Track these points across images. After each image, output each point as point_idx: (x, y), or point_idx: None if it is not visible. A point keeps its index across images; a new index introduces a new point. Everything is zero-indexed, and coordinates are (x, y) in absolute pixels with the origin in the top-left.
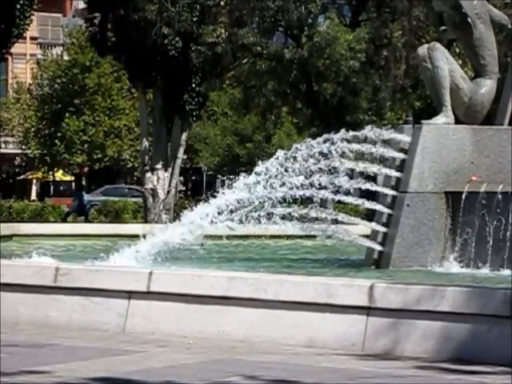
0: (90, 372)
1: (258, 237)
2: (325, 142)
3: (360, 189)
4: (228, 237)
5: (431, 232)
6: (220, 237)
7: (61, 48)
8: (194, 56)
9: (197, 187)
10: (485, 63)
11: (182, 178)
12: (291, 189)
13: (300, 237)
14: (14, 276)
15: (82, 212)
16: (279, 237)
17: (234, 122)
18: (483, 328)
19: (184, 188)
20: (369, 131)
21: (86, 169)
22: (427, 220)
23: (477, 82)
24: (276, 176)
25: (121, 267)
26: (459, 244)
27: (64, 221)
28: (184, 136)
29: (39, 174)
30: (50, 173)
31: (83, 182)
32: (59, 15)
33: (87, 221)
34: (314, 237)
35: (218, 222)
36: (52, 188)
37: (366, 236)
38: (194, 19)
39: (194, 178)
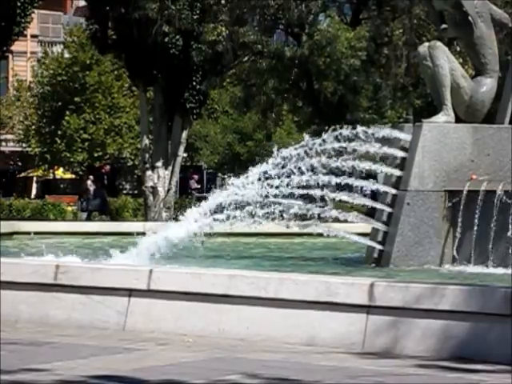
0: (90, 370)
1: (257, 235)
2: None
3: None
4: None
5: (431, 230)
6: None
7: (61, 46)
8: (194, 54)
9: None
10: (485, 62)
11: (196, 176)
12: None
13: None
14: (14, 274)
15: (104, 210)
16: (280, 235)
17: (234, 120)
18: (484, 326)
19: (199, 186)
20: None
21: (107, 167)
22: (427, 218)
23: (477, 80)
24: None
25: (121, 265)
26: (460, 242)
27: (88, 219)
28: (184, 134)
29: (39, 172)
30: (51, 171)
31: (105, 181)
32: (60, 13)
33: (89, 219)
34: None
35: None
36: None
37: (364, 234)
38: (195, 17)
39: (193, 176)
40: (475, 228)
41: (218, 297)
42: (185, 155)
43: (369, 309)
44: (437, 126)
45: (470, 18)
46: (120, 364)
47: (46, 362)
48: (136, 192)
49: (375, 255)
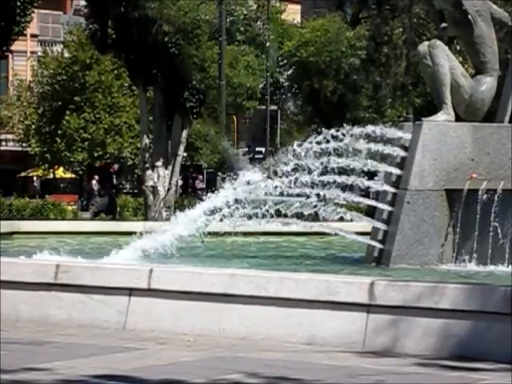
0: (91, 369)
1: (258, 234)
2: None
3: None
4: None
5: (431, 229)
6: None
7: (61, 45)
8: None
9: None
10: (485, 60)
11: (201, 177)
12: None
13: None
14: (15, 273)
15: (111, 210)
16: (280, 234)
17: None
18: (483, 325)
19: (204, 186)
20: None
21: (115, 166)
22: (427, 217)
23: (477, 79)
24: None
25: (121, 264)
26: (459, 241)
27: (94, 219)
28: (184, 133)
29: (40, 172)
30: (51, 170)
31: (114, 181)
32: (60, 13)
33: (93, 218)
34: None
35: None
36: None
37: (364, 234)
38: None
39: (194, 175)
40: (476, 227)
41: (219, 296)
42: (185, 154)
43: (369, 308)
44: (437, 125)
45: (469, 16)
46: (120, 363)
47: (47, 361)
48: (136, 191)
49: (375, 254)
